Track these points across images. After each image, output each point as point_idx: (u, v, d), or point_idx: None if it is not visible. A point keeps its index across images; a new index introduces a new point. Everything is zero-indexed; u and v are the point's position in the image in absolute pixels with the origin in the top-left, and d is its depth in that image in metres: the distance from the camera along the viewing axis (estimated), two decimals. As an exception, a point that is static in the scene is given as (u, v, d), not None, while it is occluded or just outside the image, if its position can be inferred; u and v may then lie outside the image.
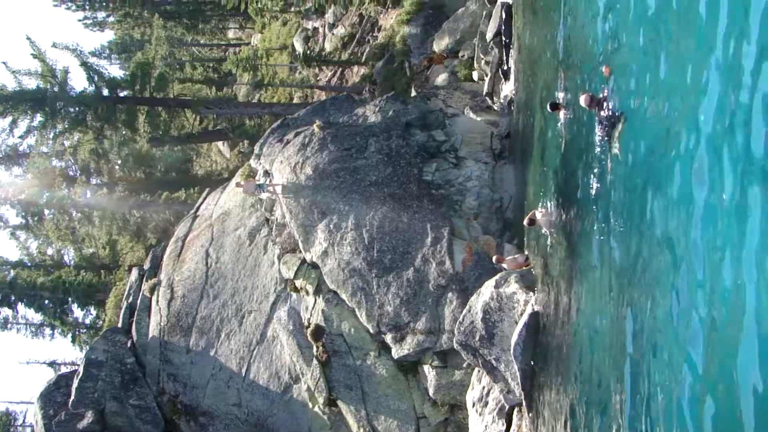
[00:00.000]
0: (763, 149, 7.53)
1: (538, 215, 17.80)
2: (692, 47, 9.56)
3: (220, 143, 58.91)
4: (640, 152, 11.18)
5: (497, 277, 19.06)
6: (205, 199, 34.02)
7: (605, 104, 12.79)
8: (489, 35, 28.20)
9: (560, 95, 17.11)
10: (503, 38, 26.70)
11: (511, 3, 26.20)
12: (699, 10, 9.42)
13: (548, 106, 17.12)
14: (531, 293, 17.83)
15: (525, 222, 18.36)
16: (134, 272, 33.31)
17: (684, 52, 9.83)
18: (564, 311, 15.31)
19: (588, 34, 15.09)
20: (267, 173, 27.74)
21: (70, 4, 67.70)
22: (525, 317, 17.25)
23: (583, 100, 13.13)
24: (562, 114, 16.78)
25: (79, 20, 73.68)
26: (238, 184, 28.34)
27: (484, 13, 30.37)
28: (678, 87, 9.87)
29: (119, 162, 44.06)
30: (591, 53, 14.67)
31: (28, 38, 37.88)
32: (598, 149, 13.20)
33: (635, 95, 11.76)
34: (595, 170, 13.37)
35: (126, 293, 32.61)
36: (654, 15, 11.20)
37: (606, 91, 12.99)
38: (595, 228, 13.52)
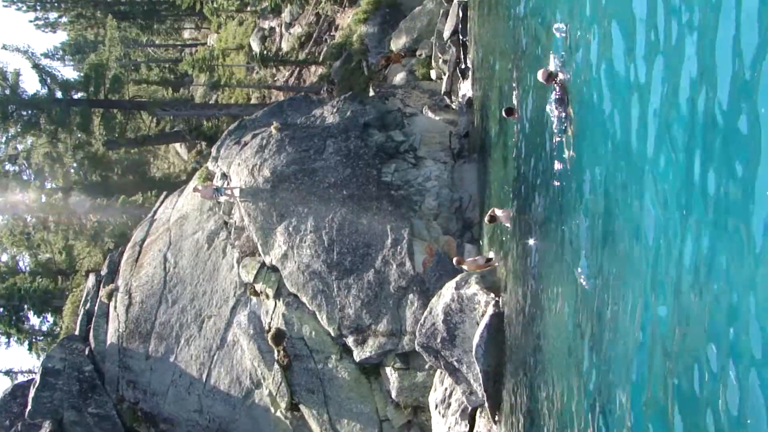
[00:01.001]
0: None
1: (499, 212, 17.78)
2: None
3: (177, 145, 58.35)
4: (597, 142, 10.98)
5: (458, 278, 19.03)
6: (162, 202, 33.51)
7: (560, 76, 12.72)
8: (446, 34, 28.15)
9: (514, 99, 17.02)
10: (460, 37, 26.67)
11: (467, 1, 26.16)
12: None
13: (503, 112, 16.98)
14: (492, 294, 17.82)
15: (486, 219, 18.33)
16: (91, 278, 32.69)
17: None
18: (525, 311, 15.28)
19: (541, 26, 14.98)
20: (225, 176, 27.41)
21: (20, 4, 66.72)
22: (486, 318, 17.23)
23: (540, 74, 13.02)
24: (516, 117, 16.71)
25: (31, 21, 72.83)
26: (195, 189, 27.94)
27: (441, 11, 30.33)
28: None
29: (74, 165, 43.38)
30: (545, 40, 14.55)
31: (-23, 40, 37.22)
32: (556, 139, 13.09)
33: (587, 69, 11.60)
34: (555, 163, 13.24)
35: (83, 299, 31.99)
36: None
37: (560, 62, 12.88)
38: (557, 224, 13.43)
